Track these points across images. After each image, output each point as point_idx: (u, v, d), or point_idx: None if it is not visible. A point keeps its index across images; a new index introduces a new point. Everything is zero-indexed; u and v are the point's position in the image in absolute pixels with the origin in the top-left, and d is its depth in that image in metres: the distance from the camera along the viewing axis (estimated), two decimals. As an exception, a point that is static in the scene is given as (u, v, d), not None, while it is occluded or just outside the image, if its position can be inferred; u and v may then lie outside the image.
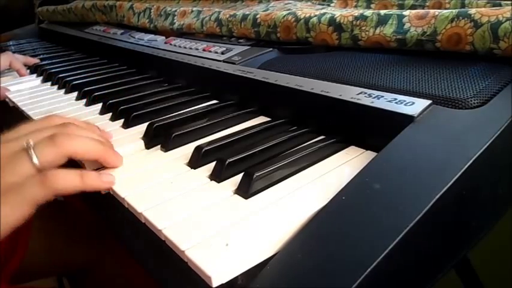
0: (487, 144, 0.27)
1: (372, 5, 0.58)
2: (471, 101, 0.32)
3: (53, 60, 0.87)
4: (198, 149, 0.37)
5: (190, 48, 0.63)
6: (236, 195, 0.31)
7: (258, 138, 0.40)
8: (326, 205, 0.27)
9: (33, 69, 0.82)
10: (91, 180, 0.34)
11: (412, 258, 0.25)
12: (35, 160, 0.32)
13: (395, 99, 0.34)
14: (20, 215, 0.31)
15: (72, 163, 0.36)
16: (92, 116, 0.53)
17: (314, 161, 0.35)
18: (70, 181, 0.33)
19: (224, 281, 0.24)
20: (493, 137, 0.28)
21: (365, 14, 0.45)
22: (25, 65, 0.83)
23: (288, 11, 0.54)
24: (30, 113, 0.56)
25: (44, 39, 1.18)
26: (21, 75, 0.80)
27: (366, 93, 0.36)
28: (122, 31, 0.86)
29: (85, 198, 0.43)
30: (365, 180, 0.28)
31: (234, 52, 0.56)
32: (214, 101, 0.53)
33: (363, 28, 0.45)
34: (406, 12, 0.43)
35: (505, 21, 0.34)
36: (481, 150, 0.27)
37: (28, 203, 0.31)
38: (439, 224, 0.26)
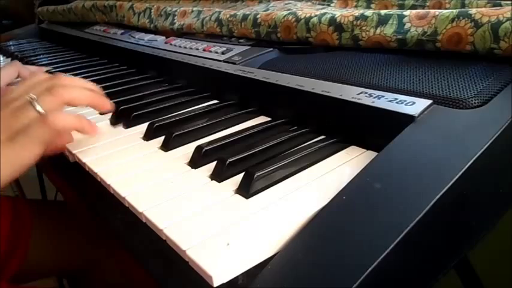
0: (488, 144, 0.27)
1: (372, 5, 0.58)
2: (472, 100, 0.32)
3: (53, 60, 0.87)
4: (198, 148, 0.37)
5: (191, 48, 0.63)
6: (237, 195, 0.31)
7: (259, 138, 0.40)
8: (326, 205, 0.27)
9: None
10: (85, 122, 0.40)
11: (413, 258, 0.25)
12: (39, 108, 0.37)
13: (396, 99, 0.34)
14: (31, 154, 0.36)
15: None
16: (92, 116, 0.53)
17: (314, 161, 0.35)
18: (68, 120, 0.38)
19: (225, 281, 0.24)
20: (494, 137, 0.28)
21: (365, 14, 0.45)
22: None
23: (288, 11, 0.54)
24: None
25: (44, 39, 1.17)
26: None
27: (366, 93, 0.36)
28: (122, 31, 0.86)
29: (84, 198, 0.43)
30: (366, 180, 0.28)
31: (235, 52, 0.56)
32: (215, 101, 0.53)
33: (363, 28, 0.45)
34: (407, 12, 0.43)
35: (506, 21, 0.34)
36: (482, 150, 0.27)
37: (35, 141, 0.36)
38: (439, 224, 0.26)
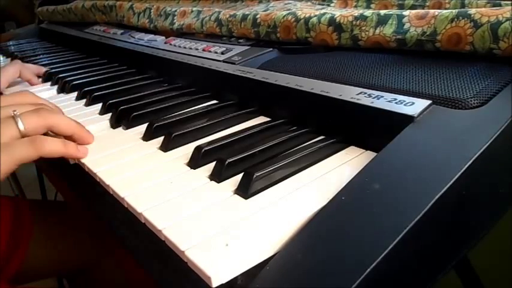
0: (487, 144, 0.27)
1: (372, 5, 0.58)
2: (471, 101, 0.32)
3: (53, 60, 0.87)
4: (198, 149, 0.37)
5: (190, 48, 0.63)
6: (236, 195, 0.31)
7: (258, 138, 0.40)
8: (326, 205, 0.27)
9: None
10: (71, 148, 0.39)
11: (412, 259, 0.25)
12: (21, 126, 0.38)
13: (395, 99, 0.34)
14: (7, 171, 0.36)
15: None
16: (92, 116, 0.53)
17: (314, 161, 0.35)
18: (55, 146, 0.38)
19: (224, 281, 0.24)
20: (493, 137, 0.28)
21: (365, 14, 0.45)
22: (37, 76, 0.76)
23: (287, 11, 0.54)
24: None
25: (44, 39, 1.18)
26: (32, 84, 0.73)
27: (365, 93, 0.36)
28: (122, 31, 0.86)
29: (84, 198, 0.43)
30: (365, 180, 0.28)
31: (234, 52, 0.56)
32: (214, 101, 0.53)
33: (363, 28, 0.45)
34: (406, 12, 0.43)
35: (505, 21, 0.34)
36: (481, 151, 0.27)
37: (16, 161, 0.36)
38: (438, 224, 0.26)
